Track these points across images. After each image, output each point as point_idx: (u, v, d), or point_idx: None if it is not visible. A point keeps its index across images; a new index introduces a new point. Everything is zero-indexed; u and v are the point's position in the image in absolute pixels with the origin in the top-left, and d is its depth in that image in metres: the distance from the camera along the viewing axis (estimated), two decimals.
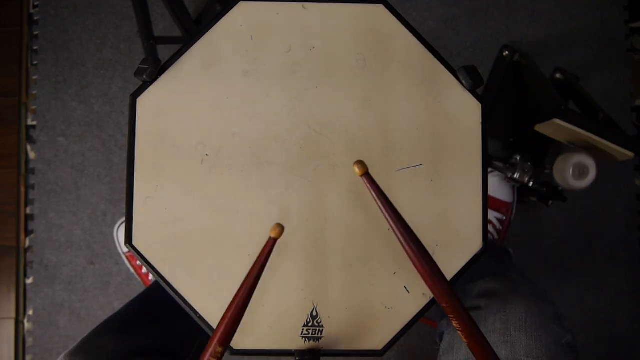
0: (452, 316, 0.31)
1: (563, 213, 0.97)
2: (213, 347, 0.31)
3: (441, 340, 0.51)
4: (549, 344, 0.42)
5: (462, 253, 0.37)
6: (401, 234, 0.32)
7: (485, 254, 0.37)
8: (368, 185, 0.33)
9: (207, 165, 0.37)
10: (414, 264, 0.32)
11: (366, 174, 0.33)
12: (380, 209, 0.32)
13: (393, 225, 0.32)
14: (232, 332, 0.31)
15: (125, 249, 0.94)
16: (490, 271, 0.55)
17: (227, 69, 0.38)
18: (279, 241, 0.37)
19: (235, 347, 0.36)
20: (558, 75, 0.93)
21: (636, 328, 0.96)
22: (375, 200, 0.33)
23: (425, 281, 0.31)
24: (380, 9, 0.39)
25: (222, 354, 0.31)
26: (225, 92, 0.38)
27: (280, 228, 0.32)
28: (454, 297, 0.31)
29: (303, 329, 0.36)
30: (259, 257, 0.33)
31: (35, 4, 1.01)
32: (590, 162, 0.72)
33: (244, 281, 0.32)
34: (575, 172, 0.73)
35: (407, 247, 0.32)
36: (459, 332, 0.31)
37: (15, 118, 1.00)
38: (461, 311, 0.30)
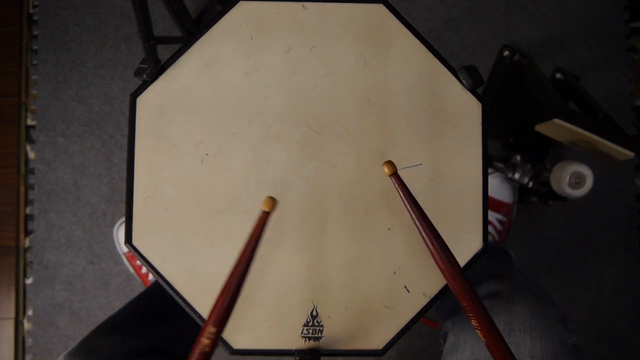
0: (471, 315, 0.31)
1: (563, 213, 0.97)
2: (207, 327, 0.30)
3: (445, 340, 0.51)
4: (554, 345, 0.42)
5: (462, 253, 0.37)
6: (425, 232, 0.32)
7: (486, 256, 0.37)
8: (396, 185, 0.33)
9: (207, 165, 0.37)
10: (435, 261, 0.32)
11: (395, 174, 0.33)
12: (407, 207, 0.33)
13: (418, 224, 0.32)
14: (227, 313, 0.30)
15: (125, 249, 0.94)
16: (493, 273, 0.55)
17: (227, 68, 0.38)
18: (279, 240, 0.37)
19: (235, 347, 0.36)
20: (558, 75, 0.93)
21: (636, 328, 0.96)
22: (402, 199, 0.33)
23: (446, 278, 0.32)
24: (380, 8, 0.39)
25: (217, 335, 0.30)
26: (225, 92, 0.38)
27: (273, 201, 0.32)
28: (475, 295, 0.31)
29: (303, 329, 0.36)
30: (252, 231, 0.32)
31: (35, 4, 1.01)
32: (587, 171, 0.73)
33: (239, 258, 0.31)
34: (572, 181, 0.73)
35: (430, 244, 0.32)
36: (478, 331, 0.31)
37: (15, 118, 1.00)
38: (481, 310, 0.30)
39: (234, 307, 0.31)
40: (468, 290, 0.31)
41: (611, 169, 0.96)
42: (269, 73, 0.38)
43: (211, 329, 0.30)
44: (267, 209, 0.32)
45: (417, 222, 0.32)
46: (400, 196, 0.33)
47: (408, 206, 0.33)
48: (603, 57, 0.98)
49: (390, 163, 0.33)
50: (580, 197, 0.74)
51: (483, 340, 0.31)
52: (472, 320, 0.31)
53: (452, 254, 0.32)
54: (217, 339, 0.30)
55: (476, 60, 0.98)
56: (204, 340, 0.30)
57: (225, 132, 0.37)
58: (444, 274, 0.32)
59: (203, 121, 0.37)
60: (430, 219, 0.33)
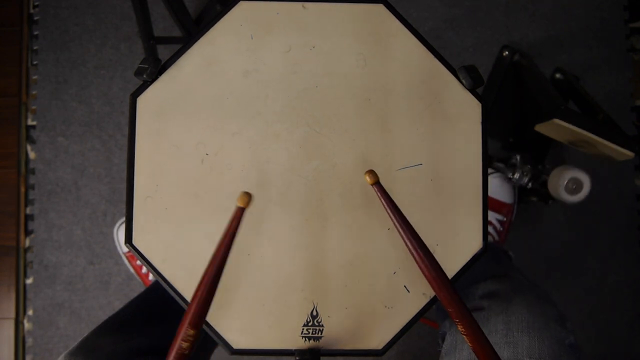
0: (457, 320, 0.31)
1: (563, 213, 0.97)
2: (184, 330, 0.29)
3: (443, 341, 0.51)
4: (552, 345, 0.42)
5: (462, 253, 0.37)
6: (409, 240, 0.32)
7: (486, 256, 0.37)
8: (378, 194, 0.34)
9: (207, 165, 0.37)
10: (421, 269, 0.32)
11: (377, 183, 0.34)
12: (390, 216, 0.33)
13: (401, 232, 0.33)
14: (203, 313, 0.30)
15: (125, 249, 0.94)
16: (492, 273, 0.55)
17: (227, 68, 0.38)
18: (279, 239, 0.37)
19: (235, 347, 0.36)
20: (558, 75, 0.93)
21: (636, 328, 0.96)
22: (384, 207, 0.33)
23: (432, 286, 0.32)
24: (380, 8, 0.39)
25: (195, 337, 0.30)
26: (225, 92, 0.38)
27: (248, 197, 0.32)
28: (460, 302, 0.31)
29: (303, 329, 0.36)
30: (227, 229, 0.32)
31: (35, 4, 1.01)
32: (584, 177, 0.73)
33: (213, 256, 0.31)
34: (569, 187, 0.73)
35: (414, 253, 0.32)
36: (464, 336, 0.31)
37: (15, 118, 1.00)
38: (466, 316, 0.31)
39: (209, 307, 0.31)
40: (453, 297, 0.31)
41: (611, 169, 0.96)
42: (269, 73, 0.38)
43: (189, 331, 0.29)
44: (242, 205, 0.32)
45: (400, 230, 0.33)
46: (383, 205, 0.33)
47: (391, 215, 0.33)
48: (603, 57, 0.98)
49: (371, 172, 0.33)
50: (577, 203, 0.74)
51: (470, 345, 0.31)
52: (458, 326, 0.31)
53: (435, 261, 0.32)
54: (195, 341, 0.30)
55: (476, 60, 0.98)
56: (183, 344, 0.29)
57: (226, 131, 0.37)
58: (429, 281, 0.32)
59: (203, 121, 0.37)
60: (415, 226, 0.33)
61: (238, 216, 0.32)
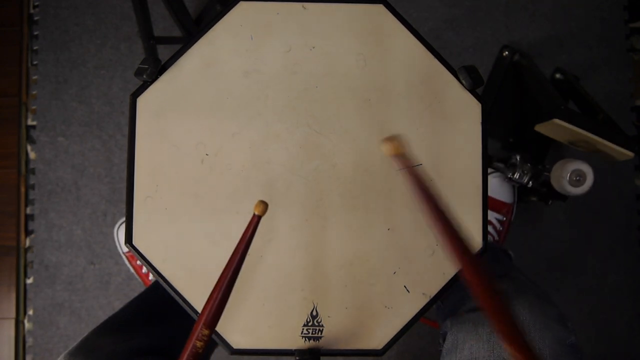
0: (479, 297, 0.28)
1: (563, 213, 0.97)
2: (199, 329, 0.30)
3: (444, 340, 0.51)
4: (553, 345, 0.42)
5: None
6: (434, 214, 0.30)
7: (486, 256, 0.37)
8: (401, 167, 0.30)
9: (207, 165, 0.37)
10: (443, 243, 0.30)
11: (400, 155, 0.30)
12: (411, 187, 0.30)
13: (426, 208, 0.30)
14: (218, 314, 0.31)
15: (126, 249, 0.94)
16: (493, 273, 0.55)
17: (227, 69, 0.38)
18: (279, 240, 0.37)
19: (235, 347, 0.36)
20: (558, 75, 0.93)
21: (636, 328, 0.96)
22: (408, 178, 0.30)
23: (456, 259, 0.29)
24: (380, 8, 0.39)
25: (209, 337, 0.31)
26: (225, 92, 0.38)
27: (264, 205, 0.32)
28: (484, 274, 0.29)
29: (303, 329, 0.36)
30: (243, 234, 0.32)
31: (35, 4, 1.01)
32: (587, 169, 0.73)
33: (229, 260, 0.31)
34: (572, 179, 0.73)
35: (439, 229, 0.30)
36: (487, 316, 0.28)
37: (15, 118, 1.00)
38: (491, 291, 0.28)
39: (224, 308, 0.31)
40: (478, 270, 0.29)
41: (611, 169, 0.96)
42: (270, 73, 0.38)
43: (204, 331, 0.30)
44: (258, 213, 0.32)
45: (424, 206, 0.30)
46: (408, 176, 0.30)
47: (413, 185, 0.30)
48: (603, 57, 0.98)
49: (393, 140, 0.30)
50: (581, 195, 0.74)
51: (495, 327, 0.28)
52: (481, 302, 0.28)
53: (460, 232, 0.30)
54: (209, 341, 0.31)
55: (476, 60, 0.98)
56: (197, 343, 0.30)
57: (226, 132, 0.37)
58: (451, 254, 0.29)
59: (203, 121, 0.37)
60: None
61: (254, 223, 0.32)
